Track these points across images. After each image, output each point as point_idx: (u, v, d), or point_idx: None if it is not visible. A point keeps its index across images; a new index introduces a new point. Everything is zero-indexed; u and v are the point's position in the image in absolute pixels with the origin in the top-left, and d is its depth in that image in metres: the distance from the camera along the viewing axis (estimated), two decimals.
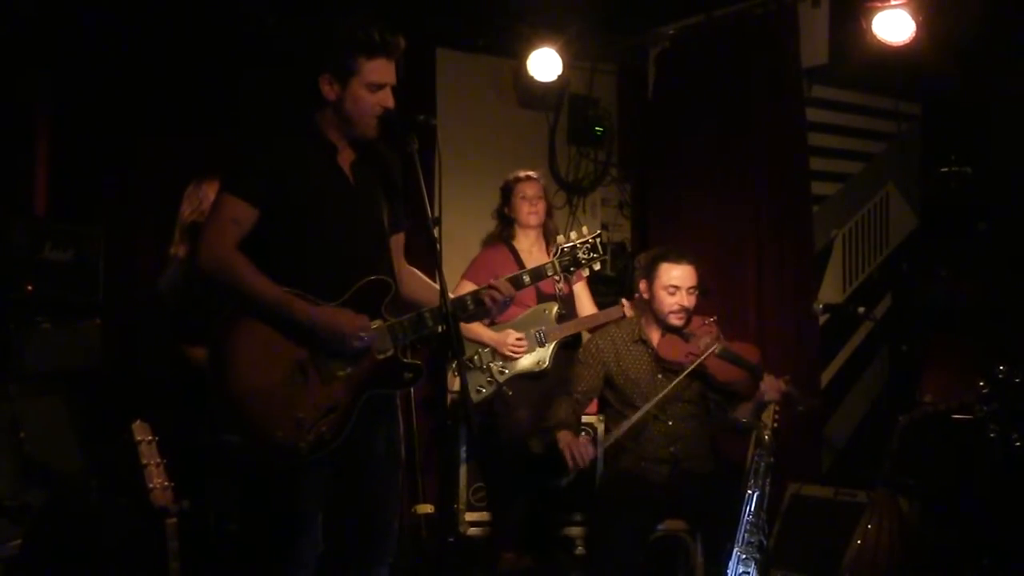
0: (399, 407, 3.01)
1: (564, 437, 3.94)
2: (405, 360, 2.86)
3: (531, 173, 4.88)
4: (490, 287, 2.94)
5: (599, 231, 3.16)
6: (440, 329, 2.84)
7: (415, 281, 3.06)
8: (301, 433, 2.72)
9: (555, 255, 3.10)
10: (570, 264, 3.10)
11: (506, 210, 4.84)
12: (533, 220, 4.78)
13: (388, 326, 2.83)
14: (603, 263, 3.18)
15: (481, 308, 2.95)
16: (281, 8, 4.79)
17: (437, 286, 2.84)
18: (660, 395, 3.93)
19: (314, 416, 2.74)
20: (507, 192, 4.85)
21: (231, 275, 2.72)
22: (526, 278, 3.06)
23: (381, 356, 2.82)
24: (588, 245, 3.10)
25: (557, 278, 4.56)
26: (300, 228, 2.80)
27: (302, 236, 2.80)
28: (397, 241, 3.04)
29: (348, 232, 2.85)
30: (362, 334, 2.75)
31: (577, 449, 3.86)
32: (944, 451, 4.44)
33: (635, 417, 3.90)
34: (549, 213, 4.93)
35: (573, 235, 3.14)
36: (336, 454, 2.78)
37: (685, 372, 3.94)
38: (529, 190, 4.79)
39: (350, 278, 2.81)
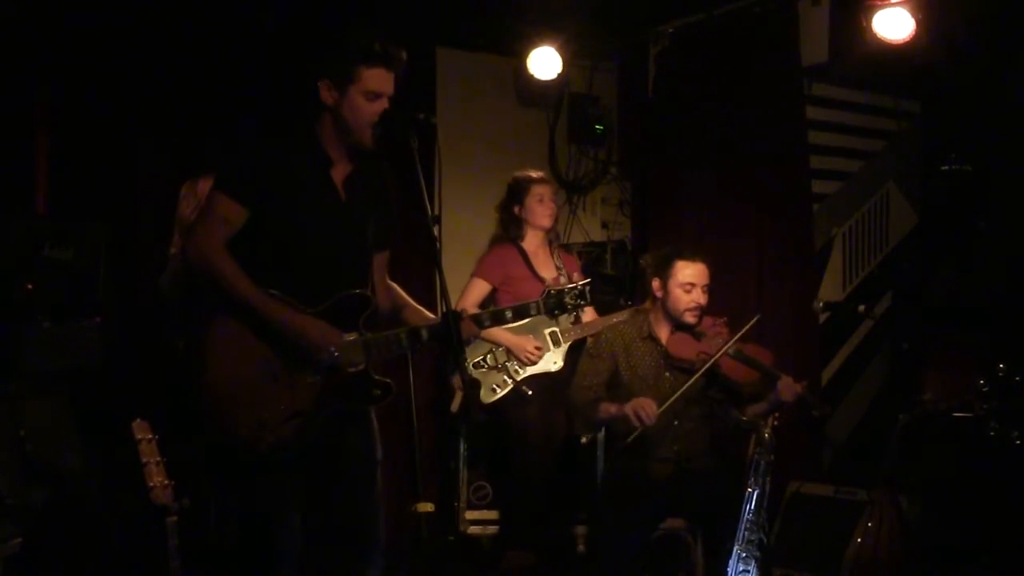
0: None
1: (612, 406, 3.96)
2: (375, 377, 2.89)
3: (543, 174, 4.85)
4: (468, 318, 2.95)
5: (588, 279, 3.25)
6: (413, 347, 2.92)
7: (396, 299, 3.11)
8: (262, 433, 2.75)
9: (542, 296, 3.16)
10: (555, 307, 3.15)
11: (516, 209, 4.76)
12: (548, 222, 4.74)
13: (363, 341, 2.86)
14: (581, 309, 3.48)
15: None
16: (280, 12, 4.79)
17: (422, 310, 3.00)
18: (681, 391, 3.90)
19: (276, 419, 2.77)
20: (519, 192, 4.75)
21: (215, 272, 2.77)
22: (508, 314, 3.14)
23: (352, 370, 2.85)
24: (576, 292, 3.16)
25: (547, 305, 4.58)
26: (285, 235, 2.83)
27: (287, 243, 2.84)
28: (381, 259, 3.08)
29: (332, 245, 2.88)
30: (332, 349, 2.78)
31: (641, 407, 3.83)
32: (944, 449, 4.44)
33: (661, 408, 3.87)
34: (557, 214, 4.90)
35: (563, 280, 3.30)
36: (306, 458, 2.82)
37: (702, 371, 3.92)
38: (546, 192, 4.75)
39: (330, 289, 2.85)
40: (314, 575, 2.90)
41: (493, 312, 3.15)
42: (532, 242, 4.78)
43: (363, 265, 2.96)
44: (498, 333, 4.61)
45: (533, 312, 3.16)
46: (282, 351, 2.78)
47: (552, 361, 4.67)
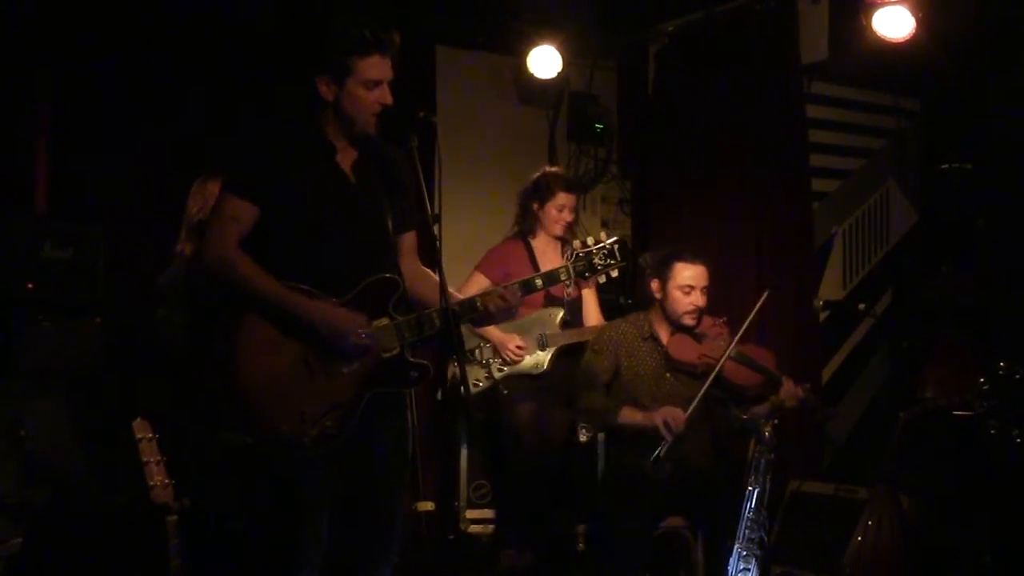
0: (408, 405, 3.01)
1: (637, 413, 3.91)
2: (411, 359, 2.86)
3: (572, 181, 4.85)
4: (499, 294, 2.91)
5: (617, 237, 3.07)
6: (439, 326, 2.84)
7: (427, 282, 3.01)
8: (305, 427, 2.72)
9: (570, 259, 3.03)
10: (585, 270, 3.03)
11: (535, 206, 4.71)
12: (558, 231, 4.69)
13: (394, 325, 2.83)
14: (621, 270, 3.07)
15: (485, 313, 2.92)
16: (278, 10, 4.79)
17: (454, 292, 2.87)
18: (699, 396, 3.87)
19: (318, 411, 2.74)
20: (544, 191, 4.68)
21: (233, 273, 2.74)
22: (538, 282, 3.02)
23: (387, 355, 2.82)
24: (605, 251, 3.02)
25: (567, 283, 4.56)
26: (300, 226, 2.80)
27: (302, 234, 2.81)
28: (408, 240, 3.03)
29: (348, 230, 2.85)
30: (361, 332, 2.75)
31: (670, 416, 3.80)
32: (944, 448, 4.44)
33: (690, 408, 3.84)
34: (575, 220, 4.85)
35: (590, 240, 3.05)
36: (342, 451, 2.78)
37: (711, 376, 3.90)
38: (569, 203, 4.69)
39: (353, 276, 2.81)
40: (328, 572, 2.88)
41: (523, 281, 3.00)
42: (543, 240, 4.76)
43: (385, 248, 2.90)
44: (486, 328, 4.60)
45: (563, 277, 3.03)
46: (314, 343, 2.74)
47: (536, 363, 4.65)
